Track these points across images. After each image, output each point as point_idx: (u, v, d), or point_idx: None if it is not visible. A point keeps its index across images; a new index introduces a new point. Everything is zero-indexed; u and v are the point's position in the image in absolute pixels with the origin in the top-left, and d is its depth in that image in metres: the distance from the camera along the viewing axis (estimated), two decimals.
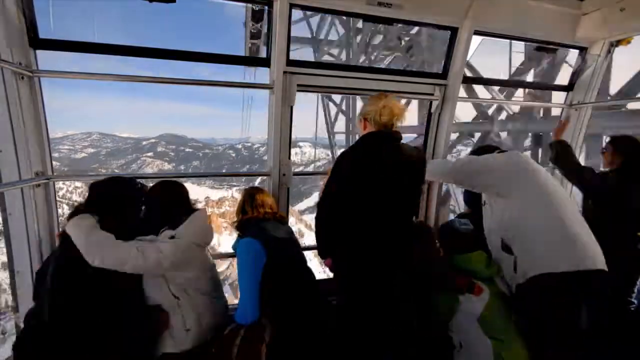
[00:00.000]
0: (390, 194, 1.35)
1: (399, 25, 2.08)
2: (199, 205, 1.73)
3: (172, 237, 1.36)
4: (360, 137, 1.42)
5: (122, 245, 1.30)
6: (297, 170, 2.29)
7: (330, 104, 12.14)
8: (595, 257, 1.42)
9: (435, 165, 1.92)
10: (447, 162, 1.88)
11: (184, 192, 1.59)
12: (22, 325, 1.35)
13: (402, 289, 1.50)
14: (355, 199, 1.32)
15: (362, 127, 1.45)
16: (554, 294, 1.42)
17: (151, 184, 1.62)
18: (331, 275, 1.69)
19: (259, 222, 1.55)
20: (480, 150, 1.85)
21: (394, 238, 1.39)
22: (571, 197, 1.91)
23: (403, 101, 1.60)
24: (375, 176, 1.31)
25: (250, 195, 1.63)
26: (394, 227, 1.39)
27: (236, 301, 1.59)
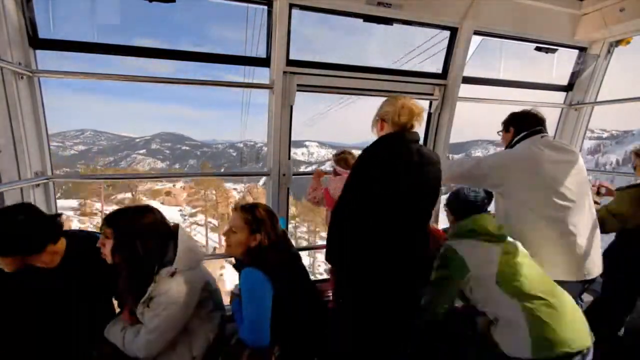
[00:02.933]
0: (415, 199, 1.29)
1: None
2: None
3: (173, 274, 1.19)
4: (378, 138, 1.34)
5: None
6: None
7: None
8: (592, 267, 1.44)
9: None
10: (451, 164, 1.83)
11: (160, 217, 1.30)
12: None
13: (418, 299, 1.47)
14: (379, 205, 1.24)
15: (379, 129, 1.38)
16: None
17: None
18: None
19: (264, 251, 1.37)
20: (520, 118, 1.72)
21: (415, 245, 1.33)
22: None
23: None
24: (401, 180, 1.24)
25: (258, 219, 1.38)
26: (415, 233, 1.33)
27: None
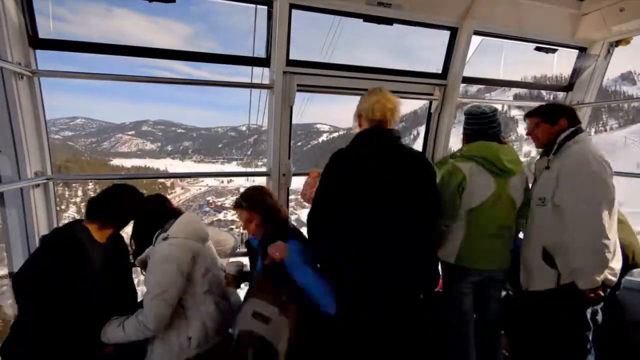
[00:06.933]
0: (392, 197, 1.27)
1: None
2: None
3: (166, 238, 1.33)
4: (354, 136, 1.36)
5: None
6: None
7: None
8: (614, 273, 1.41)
9: None
10: None
11: (167, 201, 1.60)
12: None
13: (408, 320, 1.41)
14: (349, 202, 1.25)
15: (358, 125, 1.41)
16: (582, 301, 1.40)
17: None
18: None
19: (285, 225, 1.55)
20: None
21: (398, 247, 1.28)
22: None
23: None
24: (369, 177, 1.25)
25: (265, 206, 1.55)
26: (398, 234, 1.28)
27: None
